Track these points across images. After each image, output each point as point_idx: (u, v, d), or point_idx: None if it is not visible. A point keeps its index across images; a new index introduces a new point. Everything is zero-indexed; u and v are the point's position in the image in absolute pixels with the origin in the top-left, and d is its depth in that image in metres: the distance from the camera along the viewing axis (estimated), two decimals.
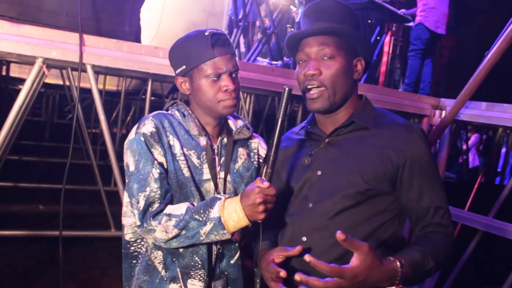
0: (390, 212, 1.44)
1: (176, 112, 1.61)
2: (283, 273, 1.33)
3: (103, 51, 2.55)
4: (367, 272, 1.21)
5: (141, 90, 7.53)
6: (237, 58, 1.61)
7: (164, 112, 1.62)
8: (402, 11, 5.81)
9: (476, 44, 8.38)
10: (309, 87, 1.46)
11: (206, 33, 1.50)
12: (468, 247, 3.91)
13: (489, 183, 5.49)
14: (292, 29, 6.96)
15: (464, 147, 6.56)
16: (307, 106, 1.49)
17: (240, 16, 5.31)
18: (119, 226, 4.30)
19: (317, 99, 1.46)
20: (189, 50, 1.52)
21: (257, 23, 7.00)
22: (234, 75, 1.55)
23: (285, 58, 5.26)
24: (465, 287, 4.38)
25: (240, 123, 1.71)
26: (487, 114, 3.40)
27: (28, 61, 2.70)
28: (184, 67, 1.55)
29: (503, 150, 5.78)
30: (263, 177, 1.38)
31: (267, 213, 1.38)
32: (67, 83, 5.42)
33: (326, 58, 1.44)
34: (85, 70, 2.52)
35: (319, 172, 1.48)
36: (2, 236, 4.08)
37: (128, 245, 1.62)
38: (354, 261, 1.23)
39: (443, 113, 3.65)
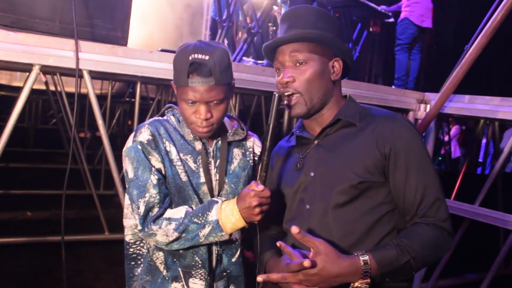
0: (388, 204, 1.44)
1: (172, 118, 1.66)
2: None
3: (98, 56, 2.58)
4: (322, 266, 1.26)
5: (125, 93, 7.50)
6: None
7: (160, 118, 1.66)
8: (382, 8, 5.93)
9: (453, 38, 8.60)
10: (286, 94, 1.47)
11: (190, 58, 1.48)
12: (455, 236, 4.05)
13: (472, 173, 5.67)
14: (274, 28, 7.04)
15: (446, 138, 6.73)
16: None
17: (224, 17, 5.35)
18: (112, 230, 4.32)
19: (294, 106, 1.47)
20: (175, 65, 1.53)
21: (240, 22, 7.04)
22: (214, 103, 1.53)
23: None
24: (453, 275, 4.52)
25: (234, 123, 1.74)
26: (470, 106, 3.53)
27: (23, 68, 2.70)
28: (173, 76, 1.58)
29: (484, 140, 5.96)
30: (257, 180, 1.42)
31: (263, 214, 1.44)
32: (52, 88, 5.40)
33: (298, 64, 1.46)
34: (81, 76, 2.55)
35: (311, 174, 1.50)
36: None
37: (128, 247, 1.67)
38: (310, 256, 1.30)
39: (428, 107, 3.76)
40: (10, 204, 5.58)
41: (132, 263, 1.67)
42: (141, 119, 6.20)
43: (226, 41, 6.30)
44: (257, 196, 1.40)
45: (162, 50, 3.27)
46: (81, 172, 5.22)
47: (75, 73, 2.49)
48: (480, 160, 6.76)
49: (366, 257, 1.28)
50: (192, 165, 1.60)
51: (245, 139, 1.74)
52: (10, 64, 2.48)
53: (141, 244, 1.66)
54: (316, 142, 1.54)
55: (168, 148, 1.58)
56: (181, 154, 1.59)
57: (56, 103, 6.54)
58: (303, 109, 1.48)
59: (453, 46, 8.47)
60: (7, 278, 3.87)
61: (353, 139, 1.46)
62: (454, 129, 8.32)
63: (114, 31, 2.85)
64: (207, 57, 1.48)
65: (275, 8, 6.18)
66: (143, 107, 7.08)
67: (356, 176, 1.40)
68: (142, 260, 1.66)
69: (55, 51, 2.47)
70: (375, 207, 1.43)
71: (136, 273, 1.67)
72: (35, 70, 2.46)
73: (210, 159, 1.64)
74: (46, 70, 2.66)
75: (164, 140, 1.58)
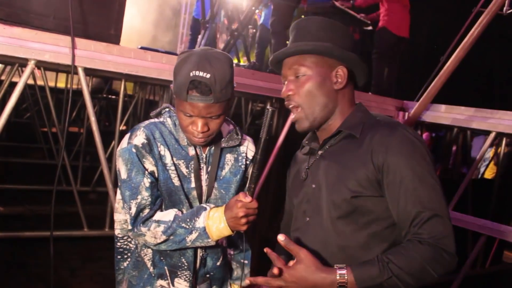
0: (387, 219, 1.39)
1: (168, 120, 1.66)
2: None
3: (94, 54, 2.60)
4: (300, 275, 1.29)
5: (102, 88, 7.42)
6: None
7: (155, 121, 1.66)
8: (362, 16, 6.07)
9: (424, 47, 8.88)
10: (289, 107, 1.50)
11: (191, 74, 1.46)
12: None
13: (443, 179, 5.88)
14: (254, 30, 7.11)
15: None
16: None
17: (207, 18, 5.38)
18: (88, 226, 4.29)
19: (298, 121, 1.49)
20: (175, 76, 1.53)
21: (225, 21, 7.09)
22: (211, 117, 1.53)
23: (251, 60, 5.40)
24: None
25: (230, 128, 1.75)
26: (447, 115, 3.71)
27: (17, 62, 2.69)
28: (172, 84, 1.58)
29: (454, 148, 6.20)
30: (246, 191, 1.47)
31: (249, 224, 1.50)
32: (28, 81, 5.32)
33: (299, 76, 1.47)
34: (76, 73, 2.56)
35: (313, 186, 1.51)
36: None
37: (116, 240, 1.71)
38: (291, 263, 1.34)
39: (406, 114, 3.92)
40: None
41: (119, 256, 1.71)
42: (114, 115, 6.16)
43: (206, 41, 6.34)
44: (244, 207, 1.44)
45: (142, 48, 3.26)
46: (58, 168, 5.15)
47: (71, 70, 2.49)
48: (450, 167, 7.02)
49: (344, 271, 1.26)
50: (184, 170, 1.63)
51: (239, 144, 1.75)
52: (4, 57, 2.47)
53: (129, 239, 1.70)
54: (319, 153, 1.53)
55: (162, 152, 1.60)
56: (174, 159, 1.61)
57: (32, 97, 6.44)
58: (306, 124, 1.48)
59: (425, 55, 8.75)
60: None
61: (352, 151, 1.43)
62: (424, 136, 8.59)
63: (108, 29, 2.87)
64: (208, 75, 1.46)
65: (256, 11, 6.26)
66: (124, 104, 7.05)
67: (348, 190, 1.38)
68: (129, 254, 1.70)
69: (51, 47, 2.47)
70: (371, 222, 1.39)
71: (123, 267, 1.71)
72: (31, 65, 2.46)
73: (202, 165, 1.67)
74: (41, 65, 2.65)
75: (159, 144, 1.60)
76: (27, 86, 5.80)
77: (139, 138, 1.57)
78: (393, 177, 1.34)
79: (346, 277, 1.25)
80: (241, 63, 5.37)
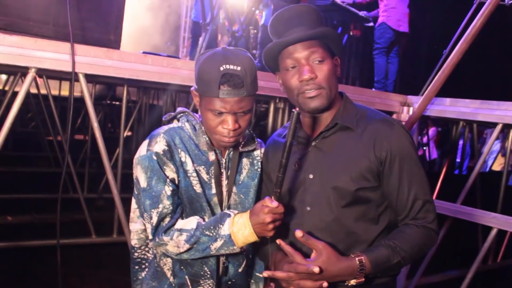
0: (382, 204, 1.53)
1: (187, 125, 1.62)
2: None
3: (94, 60, 2.59)
4: (324, 268, 1.38)
5: (106, 95, 7.43)
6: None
7: (174, 126, 1.63)
8: (363, 13, 6.06)
9: (427, 42, 8.83)
10: (306, 91, 1.50)
11: (221, 68, 1.44)
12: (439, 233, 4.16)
13: (449, 173, 5.83)
14: (255, 31, 7.08)
15: (425, 140, 6.90)
16: (303, 107, 1.53)
17: (208, 20, 5.37)
18: (96, 233, 4.29)
19: (316, 97, 1.49)
20: (202, 75, 1.50)
21: (226, 23, 7.07)
22: (241, 114, 1.51)
23: (255, 61, 5.35)
24: (436, 272, 4.64)
25: (246, 133, 1.71)
26: (452, 109, 3.66)
27: (18, 71, 2.69)
28: (197, 86, 1.55)
29: (461, 142, 6.14)
30: (271, 196, 1.43)
31: (275, 230, 1.46)
32: (32, 90, 5.34)
33: (316, 61, 1.49)
34: (77, 79, 2.55)
35: (311, 176, 1.55)
36: None
37: (133, 250, 1.67)
38: (312, 258, 1.41)
39: (411, 109, 3.88)
40: None
41: (137, 267, 1.67)
42: (119, 121, 6.18)
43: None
44: (271, 213, 1.41)
45: (144, 52, 3.26)
46: (62, 175, 5.16)
47: (71, 77, 2.49)
48: (458, 160, 6.96)
49: (362, 258, 1.41)
50: (204, 176, 1.59)
51: (254, 148, 1.73)
52: (5, 67, 2.47)
53: (146, 249, 1.66)
54: (314, 143, 1.57)
55: (183, 159, 1.56)
56: (195, 165, 1.57)
57: (37, 106, 6.46)
58: (324, 102, 1.50)
59: (428, 50, 8.71)
60: None
61: (351, 143, 1.51)
62: (431, 131, 8.53)
63: (107, 34, 2.86)
64: (239, 68, 1.45)
65: (256, 11, 6.24)
66: (128, 110, 7.06)
67: (353, 182, 1.47)
68: (147, 264, 1.66)
69: (51, 54, 2.46)
70: (371, 209, 1.51)
71: (140, 277, 1.67)
72: (31, 73, 2.45)
73: (222, 170, 1.63)
74: (42, 73, 2.65)
75: (179, 150, 1.56)
76: (30, 95, 5.85)
77: (160, 144, 1.53)
78: (395, 169, 1.48)
79: (364, 264, 1.40)
80: None
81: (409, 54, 8.21)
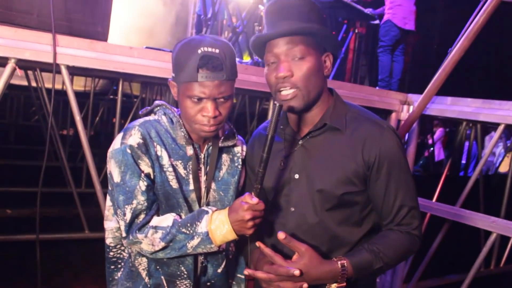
0: (367, 207, 1.51)
1: (163, 117, 1.56)
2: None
3: (77, 51, 2.52)
4: (305, 271, 1.34)
5: (109, 90, 7.41)
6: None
7: (150, 119, 1.56)
8: (368, 10, 5.94)
9: (437, 41, 8.67)
10: (281, 89, 1.44)
11: (199, 51, 1.39)
12: (436, 237, 4.07)
13: (454, 175, 5.71)
14: (260, 28, 7.01)
15: (430, 141, 6.77)
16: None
17: (209, 15, 5.31)
18: (93, 228, 4.27)
19: (292, 100, 1.44)
20: (179, 61, 1.44)
21: (225, 21, 7.01)
22: (221, 100, 1.45)
23: (254, 57, 5.29)
24: (434, 275, 4.55)
25: (226, 128, 1.67)
26: (452, 108, 3.54)
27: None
28: (174, 74, 1.49)
29: (467, 143, 6.00)
30: (251, 192, 1.37)
31: (255, 228, 1.39)
32: (33, 84, 5.31)
33: (296, 58, 1.42)
34: (59, 71, 2.49)
35: (296, 176, 1.50)
36: None
37: (108, 250, 1.61)
38: (294, 260, 1.37)
39: (411, 108, 3.77)
40: None
41: (112, 267, 1.61)
42: (124, 117, 6.16)
43: None
44: (251, 209, 1.35)
45: (147, 48, 3.22)
46: (63, 170, 5.15)
47: (53, 68, 2.43)
48: (464, 162, 6.82)
49: (344, 262, 1.38)
50: (182, 171, 1.53)
51: (235, 144, 1.67)
52: None
53: (122, 248, 1.60)
54: (300, 143, 1.52)
55: (159, 153, 1.49)
56: (172, 159, 1.51)
57: (38, 100, 6.46)
58: (300, 104, 1.45)
59: (437, 49, 8.54)
60: None
61: (339, 145, 1.47)
62: (438, 132, 8.39)
63: (94, 26, 2.79)
64: (217, 50, 1.41)
65: (261, 7, 6.16)
66: (127, 105, 7.04)
67: (339, 186, 1.44)
68: (122, 264, 1.60)
69: (32, 44, 2.40)
70: (356, 213, 1.49)
71: (116, 277, 1.61)
72: (11, 64, 2.39)
73: (200, 166, 1.57)
74: (24, 65, 2.59)
75: (155, 144, 1.49)
76: (31, 89, 5.84)
77: (134, 137, 1.46)
78: (383, 174, 1.45)
79: (346, 268, 1.37)
80: (244, 60, 5.26)
81: (418, 53, 8.08)
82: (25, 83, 5.72)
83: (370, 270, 1.41)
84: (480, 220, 3.34)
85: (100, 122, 7.92)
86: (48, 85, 5.60)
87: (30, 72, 5.11)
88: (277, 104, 1.33)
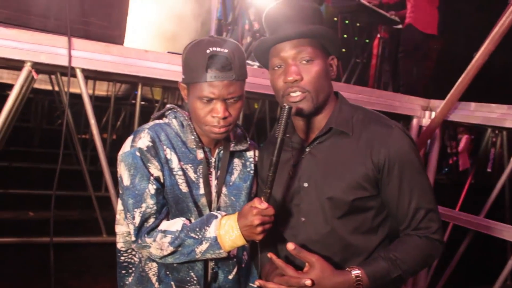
0: (382, 214, 1.45)
1: (174, 121, 1.55)
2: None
3: (92, 54, 2.53)
4: (317, 282, 1.29)
5: (130, 95, 7.50)
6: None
7: (160, 122, 1.56)
8: (391, 14, 5.85)
9: (463, 46, 8.47)
10: (293, 93, 1.41)
11: (208, 51, 1.40)
12: (460, 247, 3.94)
13: (479, 184, 5.55)
14: None
15: (454, 149, 6.61)
16: None
17: (229, 20, 5.31)
18: (111, 232, 4.30)
19: (301, 102, 1.42)
20: (189, 62, 1.44)
21: (246, 26, 7.01)
22: (231, 101, 1.44)
23: None
24: (456, 287, 4.41)
25: (238, 132, 1.65)
26: (476, 114, 3.42)
27: (15, 66, 2.66)
28: (184, 76, 1.49)
29: (493, 150, 5.83)
30: (261, 197, 1.35)
31: (265, 233, 1.37)
32: (56, 88, 5.40)
33: (304, 62, 1.40)
34: (74, 74, 2.50)
35: (305, 184, 1.47)
36: None
37: (119, 254, 1.60)
38: (305, 271, 1.32)
39: (433, 114, 3.66)
40: (12, 203, 5.58)
41: (123, 271, 1.59)
42: (145, 122, 6.22)
43: None
44: (260, 214, 1.33)
45: (169, 53, 3.21)
46: (83, 173, 5.21)
47: (68, 71, 2.43)
48: (489, 170, 6.62)
49: (358, 272, 1.32)
50: (192, 175, 1.51)
51: (247, 149, 1.66)
52: (1, 61, 2.44)
53: (133, 253, 1.59)
54: (308, 150, 1.49)
55: (168, 156, 1.49)
56: (181, 163, 1.50)
57: (61, 104, 6.57)
58: (310, 106, 1.42)
59: (463, 54, 8.35)
60: (4, 278, 3.86)
61: (347, 149, 1.43)
62: (463, 140, 8.18)
63: (111, 30, 2.80)
64: (226, 50, 1.40)
65: None
66: (148, 109, 7.09)
67: (350, 191, 1.39)
68: (133, 269, 1.59)
69: (48, 48, 2.42)
70: (370, 219, 1.43)
71: (127, 282, 1.59)
72: (27, 67, 2.41)
73: (211, 170, 1.55)
74: (41, 68, 2.61)
75: (164, 147, 1.49)
76: (55, 93, 5.95)
77: (144, 140, 1.46)
78: (394, 176, 1.39)
79: (361, 278, 1.31)
80: None
81: (443, 58, 7.91)
82: (49, 87, 5.83)
83: (387, 279, 1.34)
84: (505, 231, 3.20)
85: (122, 126, 8.01)
86: (73, 89, 5.71)
87: (53, 77, 5.19)
88: (287, 106, 1.31)
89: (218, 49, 1.40)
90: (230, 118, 1.45)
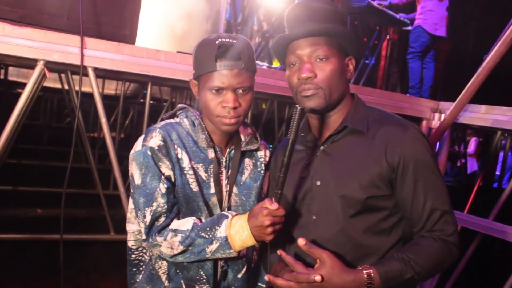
0: (396, 215, 1.43)
1: (185, 120, 1.57)
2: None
3: (104, 54, 2.55)
4: (327, 279, 1.26)
5: (139, 94, 7.52)
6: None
7: (171, 121, 1.57)
8: (401, 16, 5.84)
9: (472, 48, 8.44)
10: (307, 90, 1.42)
11: (217, 42, 1.44)
12: (467, 250, 3.92)
13: (488, 187, 5.52)
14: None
15: (462, 151, 6.57)
16: (301, 106, 1.44)
17: (239, 20, 5.32)
18: (119, 230, 4.32)
19: (313, 97, 1.42)
20: (199, 55, 1.48)
21: (255, 27, 7.03)
22: (241, 91, 1.47)
23: None
24: None
25: (249, 131, 1.66)
26: (486, 117, 3.41)
27: (28, 64, 2.69)
28: (194, 71, 1.52)
29: (502, 153, 5.79)
30: (272, 198, 1.35)
31: (275, 234, 1.37)
32: (66, 86, 5.42)
33: (319, 59, 1.41)
34: (86, 73, 2.52)
35: (318, 183, 1.46)
36: (1, 240, 4.07)
37: (130, 252, 1.61)
38: (316, 267, 1.30)
39: (442, 116, 3.65)
40: (21, 200, 5.61)
41: (134, 269, 1.60)
42: (154, 121, 6.23)
43: None
44: (271, 215, 1.33)
45: (178, 52, 3.23)
46: (92, 171, 5.23)
47: (80, 70, 2.46)
48: (498, 173, 6.58)
49: (370, 271, 1.29)
50: (203, 174, 1.52)
51: (257, 149, 1.66)
52: (15, 59, 2.47)
53: (144, 251, 1.60)
54: (322, 148, 1.49)
55: (179, 155, 1.50)
56: (192, 162, 1.51)
57: (70, 102, 6.61)
58: (321, 103, 1.42)
59: (472, 56, 8.32)
60: (12, 275, 3.87)
61: (361, 148, 1.42)
62: (472, 143, 8.13)
63: (122, 29, 2.83)
64: (235, 41, 1.44)
65: None
66: (157, 109, 7.12)
67: (363, 190, 1.37)
68: (143, 267, 1.60)
69: (60, 47, 2.44)
70: (383, 219, 1.41)
71: (138, 280, 1.60)
72: (40, 65, 2.43)
73: (222, 169, 1.56)
74: (53, 67, 2.63)
75: (175, 146, 1.50)
76: (64, 91, 5.97)
77: (155, 140, 1.47)
78: (409, 176, 1.36)
79: (373, 278, 1.28)
80: (273, 66, 5.24)
81: (452, 60, 7.88)
82: (58, 85, 5.86)
83: (400, 280, 1.31)
84: None
85: (130, 125, 8.04)
86: (83, 88, 5.74)
87: (63, 75, 5.22)
88: (298, 108, 1.30)
89: (227, 40, 1.44)
90: (240, 109, 1.47)
